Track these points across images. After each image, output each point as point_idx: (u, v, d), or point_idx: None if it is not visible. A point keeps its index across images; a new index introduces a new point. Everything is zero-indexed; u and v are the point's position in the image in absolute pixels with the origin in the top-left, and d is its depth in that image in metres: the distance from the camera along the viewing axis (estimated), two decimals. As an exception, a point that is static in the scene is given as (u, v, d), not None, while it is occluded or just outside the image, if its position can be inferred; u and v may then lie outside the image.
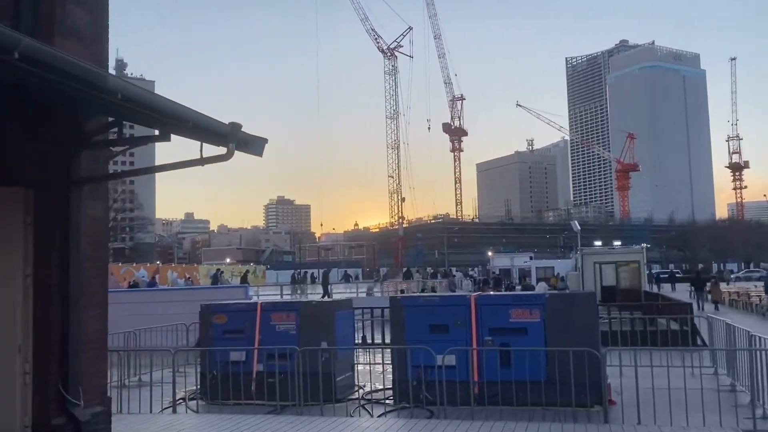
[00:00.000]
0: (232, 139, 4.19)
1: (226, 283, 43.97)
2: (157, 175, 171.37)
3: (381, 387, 10.46)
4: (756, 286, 32.00)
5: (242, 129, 4.26)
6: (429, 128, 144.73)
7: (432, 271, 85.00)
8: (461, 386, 8.95)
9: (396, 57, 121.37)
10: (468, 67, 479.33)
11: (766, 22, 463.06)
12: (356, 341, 17.11)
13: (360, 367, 11.26)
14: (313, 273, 67.78)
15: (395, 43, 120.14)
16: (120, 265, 54.93)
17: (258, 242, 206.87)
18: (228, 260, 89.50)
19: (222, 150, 4.23)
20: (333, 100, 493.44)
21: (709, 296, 29.03)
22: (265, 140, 4.58)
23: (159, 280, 51.54)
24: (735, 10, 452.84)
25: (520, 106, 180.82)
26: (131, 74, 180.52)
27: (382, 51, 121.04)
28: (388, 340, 12.58)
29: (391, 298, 9.80)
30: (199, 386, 10.24)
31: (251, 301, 10.02)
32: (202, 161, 4.47)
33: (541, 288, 24.96)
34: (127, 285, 40.80)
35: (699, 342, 14.43)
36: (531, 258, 65.22)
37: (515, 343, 8.99)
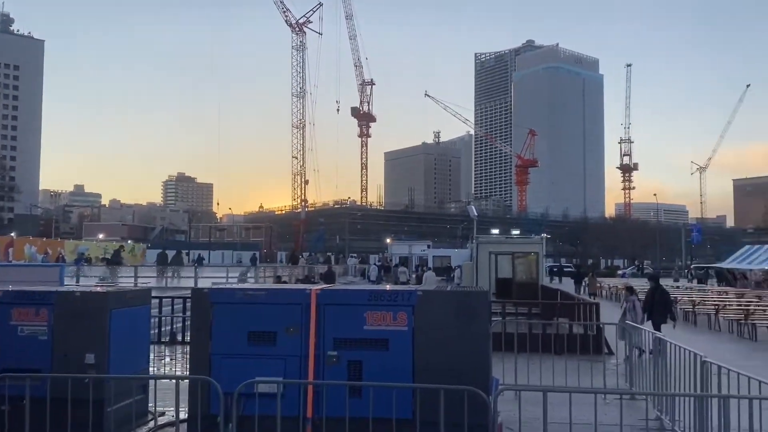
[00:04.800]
0: None
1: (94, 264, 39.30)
2: (44, 141, 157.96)
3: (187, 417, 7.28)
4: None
5: None
6: (338, 110, 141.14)
7: (330, 255, 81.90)
8: (290, 424, 5.99)
9: (305, 33, 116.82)
10: (380, 52, 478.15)
11: (658, 33, 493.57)
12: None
13: (166, 383, 8.04)
14: (201, 254, 63.19)
15: (304, 18, 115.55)
16: (-39, 236, 48.14)
17: (152, 220, 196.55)
18: (101, 236, 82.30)
19: None
20: (240, 73, 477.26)
21: (587, 288, 33.56)
22: None
23: (14, 255, 45.50)
24: (632, 20, 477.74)
25: (428, 96, 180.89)
26: (18, 31, 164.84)
27: (291, 25, 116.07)
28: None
29: (193, 291, 6.63)
30: None
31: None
32: None
33: (429, 279, 22.40)
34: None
35: (606, 350, 12.35)
36: (429, 246, 63.82)
37: (370, 362, 6.12)
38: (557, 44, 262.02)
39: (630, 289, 14.61)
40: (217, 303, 6.41)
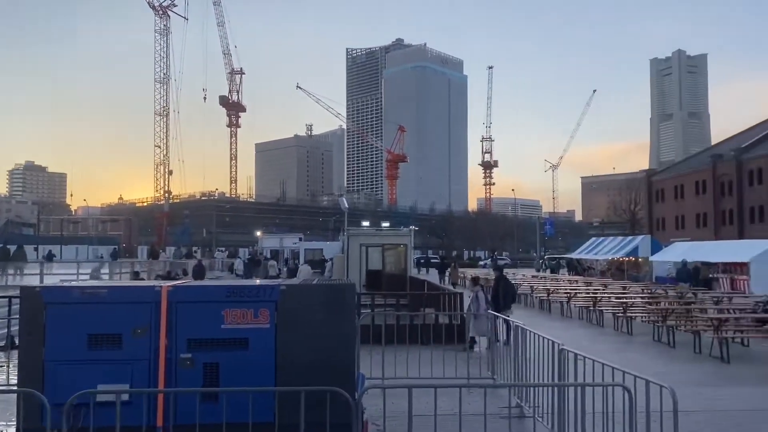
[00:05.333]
0: None
1: None
2: None
3: None
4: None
5: None
6: (205, 98, 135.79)
7: (196, 249, 78.28)
8: (136, 435, 5.42)
9: (169, 16, 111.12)
10: (250, 41, 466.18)
11: (518, 38, 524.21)
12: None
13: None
14: (51, 249, 58.36)
15: (168, 1, 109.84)
16: None
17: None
18: (-73, 230, 73.33)
19: None
20: (100, 55, 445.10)
21: (449, 278, 36.52)
22: None
23: None
24: (494, 25, 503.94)
25: (300, 88, 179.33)
26: None
27: (153, 7, 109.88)
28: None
29: (22, 289, 5.84)
30: None
31: None
32: None
33: (304, 272, 22.11)
34: None
35: (469, 339, 12.67)
36: (300, 239, 63.05)
37: (229, 363, 5.70)
38: (425, 44, 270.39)
39: (475, 280, 15.00)
40: (51, 303, 5.67)
